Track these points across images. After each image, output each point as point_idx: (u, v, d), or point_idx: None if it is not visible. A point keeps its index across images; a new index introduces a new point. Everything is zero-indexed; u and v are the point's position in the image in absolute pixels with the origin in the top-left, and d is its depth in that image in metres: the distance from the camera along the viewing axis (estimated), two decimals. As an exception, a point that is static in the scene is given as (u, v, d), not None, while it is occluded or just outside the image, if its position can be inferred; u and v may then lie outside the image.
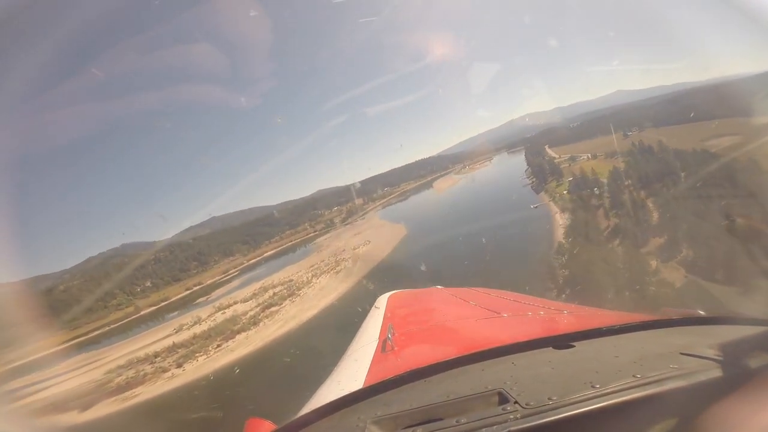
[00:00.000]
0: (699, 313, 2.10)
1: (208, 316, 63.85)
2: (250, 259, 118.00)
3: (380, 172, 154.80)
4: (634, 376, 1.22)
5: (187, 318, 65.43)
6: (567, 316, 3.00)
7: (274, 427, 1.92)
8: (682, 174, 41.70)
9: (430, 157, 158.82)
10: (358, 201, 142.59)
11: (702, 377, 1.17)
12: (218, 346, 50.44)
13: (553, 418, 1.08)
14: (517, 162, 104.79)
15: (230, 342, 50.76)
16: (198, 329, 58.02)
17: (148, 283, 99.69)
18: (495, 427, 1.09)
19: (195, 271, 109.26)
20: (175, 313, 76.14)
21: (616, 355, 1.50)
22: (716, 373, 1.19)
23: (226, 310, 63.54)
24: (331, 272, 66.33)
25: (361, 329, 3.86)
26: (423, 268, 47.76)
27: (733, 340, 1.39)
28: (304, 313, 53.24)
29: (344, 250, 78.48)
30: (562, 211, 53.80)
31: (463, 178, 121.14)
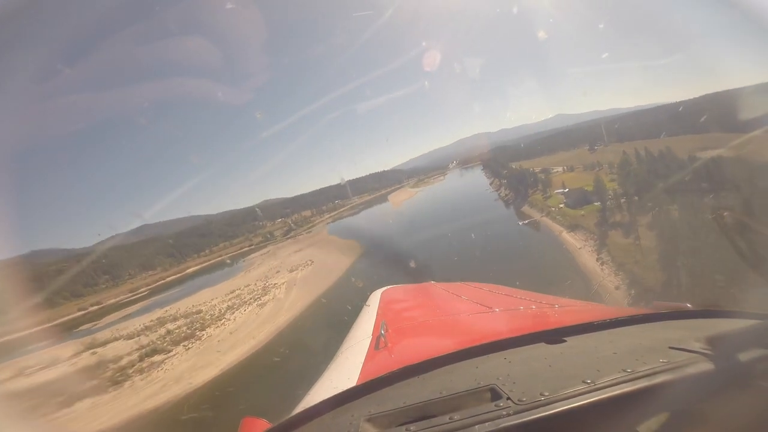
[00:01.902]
0: (687, 306, 2.03)
1: (72, 356, 44.60)
2: (170, 276, 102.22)
3: (332, 183, 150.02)
4: (624, 370, 1.22)
5: (44, 355, 45.41)
6: (558, 311, 2.90)
7: (268, 425, 1.73)
8: (691, 178, 35.61)
9: (384, 171, 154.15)
10: (306, 213, 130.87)
11: (691, 371, 1.17)
12: (43, 416, 30.14)
13: (545, 413, 1.07)
14: (474, 177, 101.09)
15: (65, 411, 31.45)
16: (42, 377, 38.43)
17: (40, 299, 77.73)
18: (488, 423, 1.08)
19: (104, 286, 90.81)
20: (43, 343, 55.88)
21: (607, 349, 1.48)
22: (705, 366, 1.18)
23: (97, 350, 44.48)
24: (254, 304, 47.58)
25: (354, 325, 3.51)
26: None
27: (721, 333, 1.35)
28: (196, 374, 33.81)
29: (279, 271, 59.70)
30: (571, 229, 39.87)
31: (420, 192, 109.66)
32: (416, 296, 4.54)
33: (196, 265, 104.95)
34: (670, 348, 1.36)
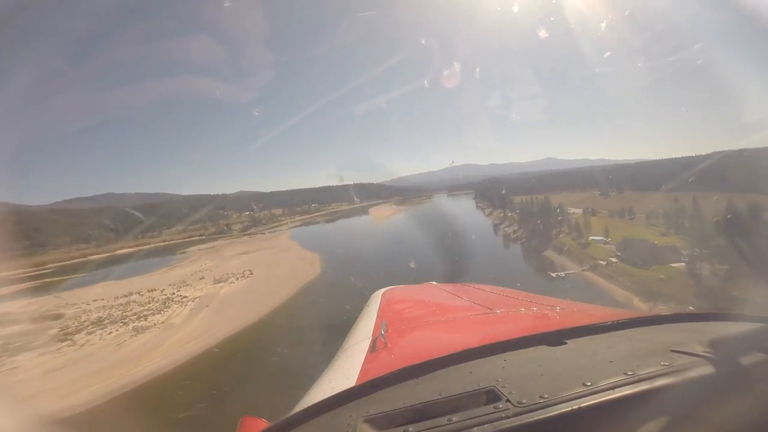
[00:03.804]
0: (689, 309, 1.98)
1: None
2: (96, 254, 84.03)
3: (312, 186, 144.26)
4: (625, 373, 1.17)
5: None
6: (560, 313, 2.74)
7: (267, 425, 1.57)
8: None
9: (369, 183, 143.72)
10: (276, 211, 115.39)
11: (692, 374, 1.14)
12: None
13: (544, 416, 1.04)
14: (465, 204, 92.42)
15: None
16: None
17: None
18: (487, 425, 1.05)
19: (17, 254, 74.71)
20: None
21: (608, 352, 1.41)
22: (707, 369, 1.14)
23: None
24: (131, 326, 30.64)
25: (354, 326, 3.17)
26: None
27: (723, 336, 1.33)
28: None
29: (203, 277, 42.25)
30: (647, 297, 25.96)
31: (405, 210, 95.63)
32: (417, 297, 4.17)
33: (133, 246, 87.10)
34: (672, 351, 1.29)
